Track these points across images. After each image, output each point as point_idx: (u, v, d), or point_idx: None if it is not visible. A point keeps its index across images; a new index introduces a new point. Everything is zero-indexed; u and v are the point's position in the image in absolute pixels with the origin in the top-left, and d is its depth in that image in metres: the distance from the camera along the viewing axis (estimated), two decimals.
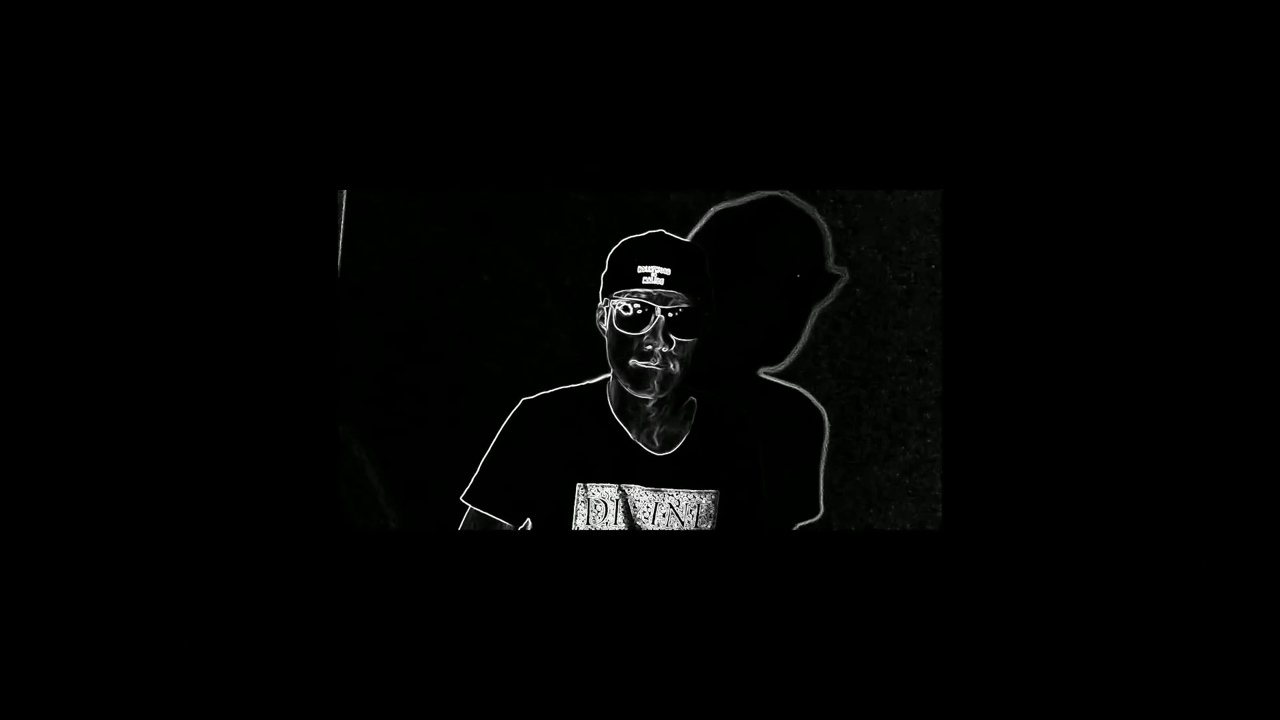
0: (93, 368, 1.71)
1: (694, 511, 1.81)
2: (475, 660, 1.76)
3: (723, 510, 1.84)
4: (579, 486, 1.79)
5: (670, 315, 1.69)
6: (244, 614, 1.74)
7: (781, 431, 2.17)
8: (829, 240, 2.20)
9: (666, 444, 1.81)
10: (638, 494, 1.79)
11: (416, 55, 1.79)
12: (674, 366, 1.71)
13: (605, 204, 2.17)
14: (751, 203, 2.18)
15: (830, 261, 2.22)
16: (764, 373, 2.20)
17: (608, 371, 1.84)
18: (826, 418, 2.21)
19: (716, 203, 2.19)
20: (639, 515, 1.78)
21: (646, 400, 1.76)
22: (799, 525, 2.17)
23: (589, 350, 1.94)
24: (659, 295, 1.69)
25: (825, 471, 2.20)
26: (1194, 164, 1.72)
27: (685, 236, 2.13)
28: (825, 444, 2.20)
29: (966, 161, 1.80)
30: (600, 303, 1.77)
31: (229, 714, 1.70)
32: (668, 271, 1.68)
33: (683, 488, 1.81)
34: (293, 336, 1.76)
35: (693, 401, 1.85)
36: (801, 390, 2.24)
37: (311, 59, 1.77)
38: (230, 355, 1.74)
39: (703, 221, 2.18)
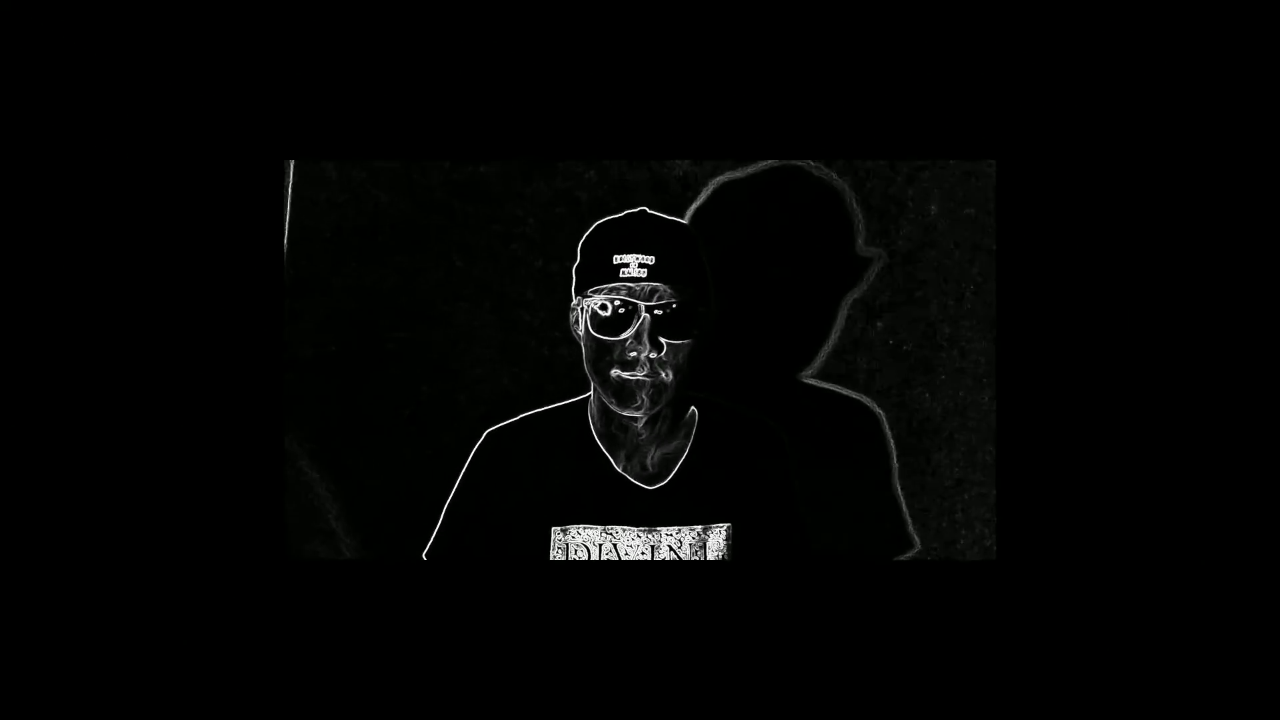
0: (11, 348, 1.65)
1: (699, 554, 1.62)
2: (440, 712, 1.67)
3: (739, 548, 1.65)
4: (555, 532, 1.62)
5: (657, 313, 1.52)
6: (174, 653, 1.68)
7: (837, 446, 2.04)
8: (860, 216, 2.02)
9: (662, 469, 1.63)
10: (628, 538, 1.62)
11: (380, 4, 1.72)
12: (665, 375, 1.54)
13: (602, 174, 2.02)
14: (761, 174, 2.00)
15: (861, 241, 2.04)
16: (808, 378, 2.04)
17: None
18: (889, 431, 2.08)
19: (721, 173, 2.04)
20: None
21: (635, 419, 1.58)
22: (896, 559, 2.07)
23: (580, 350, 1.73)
24: (641, 290, 1.52)
25: (901, 488, 2.09)
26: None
27: (684, 215, 2.01)
28: (893, 459, 2.07)
29: (1023, 128, 1.74)
30: (574, 301, 1.60)
31: None
32: (650, 260, 1.52)
33: (683, 524, 1.62)
34: (232, 333, 1.70)
35: (694, 413, 1.66)
36: (859, 396, 2.09)
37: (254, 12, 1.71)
38: (161, 352, 1.69)
39: (703, 197, 2.00)
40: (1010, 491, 1.75)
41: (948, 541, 2.09)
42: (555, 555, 1.62)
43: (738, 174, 2.02)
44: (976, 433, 2.11)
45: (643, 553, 1.62)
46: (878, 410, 2.10)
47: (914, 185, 2.08)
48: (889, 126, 1.78)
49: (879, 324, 2.10)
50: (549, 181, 2.00)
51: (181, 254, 1.69)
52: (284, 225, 1.98)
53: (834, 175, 2.01)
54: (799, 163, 2.00)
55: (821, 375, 2.09)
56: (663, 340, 1.55)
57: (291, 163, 1.99)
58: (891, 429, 2.10)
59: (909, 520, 2.11)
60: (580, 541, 1.62)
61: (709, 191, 2.03)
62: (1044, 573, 1.72)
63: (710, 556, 1.64)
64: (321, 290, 2.02)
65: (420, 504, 1.81)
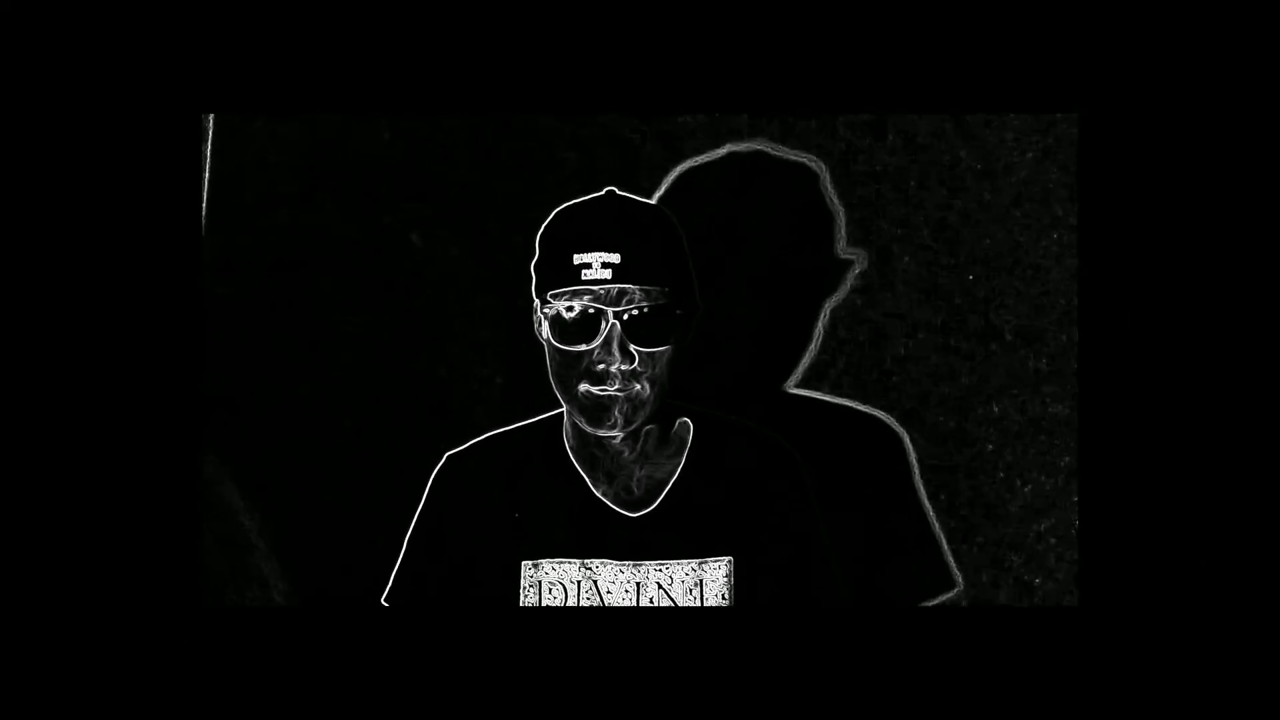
0: None
1: (695, 592, 1.59)
2: None
3: (743, 586, 1.61)
4: (526, 567, 1.59)
5: (627, 319, 1.51)
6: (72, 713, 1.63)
7: (846, 468, 1.97)
8: (841, 213, 1.99)
9: (649, 493, 1.61)
10: (609, 573, 1.59)
11: None
12: (642, 389, 1.52)
13: (592, 132, 2.00)
14: (724, 159, 2.00)
15: (842, 242, 2.01)
16: (796, 388, 2.02)
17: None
18: (911, 448, 2.02)
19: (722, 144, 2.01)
20: (611, 602, 1.60)
21: (612, 437, 1.57)
22: (932, 602, 2.02)
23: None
24: (607, 294, 1.50)
25: (936, 518, 2.02)
26: None
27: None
28: (918, 483, 2.01)
29: (1112, 75, 1.72)
30: (535, 303, 1.58)
31: None
32: (615, 259, 1.50)
33: (674, 558, 1.59)
34: (142, 329, 1.69)
35: (685, 425, 1.64)
36: (872, 410, 2.03)
37: None
38: (55, 340, 1.67)
39: (665, 185, 2.00)
40: (1095, 522, 1.73)
41: (1015, 582, 2.04)
42: (526, 594, 1.59)
43: (703, 159, 2.01)
44: (1049, 451, 2.02)
45: (627, 591, 1.59)
46: (899, 429, 2.03)
47: (973, 144, 2.01)
48: (949, 75, 1.80)
49: (913, 316, 2.03)
50: (527, 140, 1.99)
51: (82, 225, 1.69)
52: (202, 193, 1.96)
53: (811, 158, 2.00)
54: (766, 146, 2.00)
55: (817, 385, 2.04)
56: (635, 349, 1.52)
57: (211, 117, 1.97)
58: (926, 447, 2.04)
59: (947, 550, 2.03)
60: (555, 578, 1.58)
61: (670, 180, 2.01)
62: (1135, 622, 1.69)
63: (710, 599, 1.59)
64: (246, 270, 2.00)
65: (370, 538, 1.84)
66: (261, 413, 2.01)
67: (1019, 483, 2.01)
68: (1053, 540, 2.01)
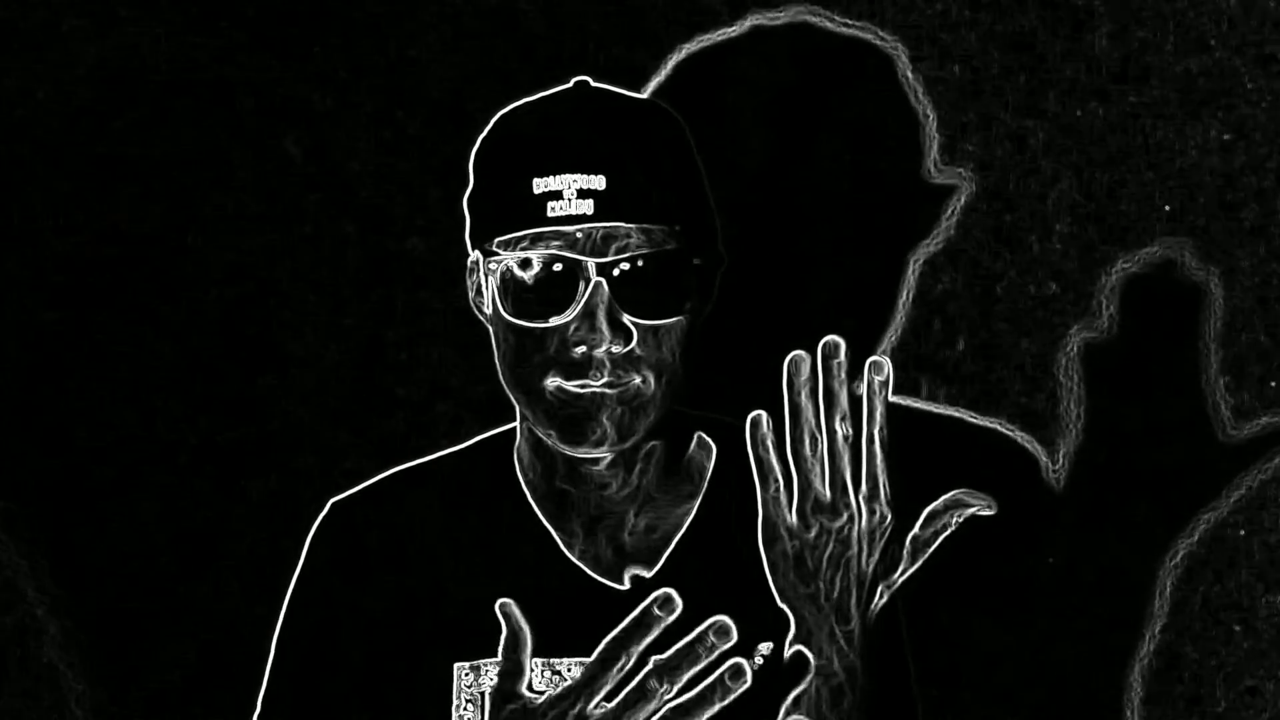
0: None
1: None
2: None
3: (786, 691, 1.33)
4: (461, 671, 1.31)
5: (618, 275, 1.24)
6: None
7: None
8: (931, 118, 1.70)
9: (649, 552, 1.37)
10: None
11: None
12: (643, 383, 1.25)
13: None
14: (747, 36, 1.73)
15: (933, 159, 1.71)
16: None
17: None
18: (1055, 477, 1.73)
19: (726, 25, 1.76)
20: None
21: (594, 461, 1.30)
22: None
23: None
24: (588, 237, 1.24)
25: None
26: None
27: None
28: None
29: None
30: (469, 261, 1.34)
31: None
32: (597, 184, 1.23)
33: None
34: None
35: (705, 446, 1.40)
36: (996, 425, 1.75)
37: None
38: None
39: (660, 75, 1.75)
40: None
41: None
42: (464, 715, 1.34)
43: (718, 35, 1.76)
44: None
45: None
46: (1036, 450, 1.73)
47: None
48: None
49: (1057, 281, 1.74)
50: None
51: None
52: None
53: (882, 34, 1.74)
54: (811, 14, 1.75)
55: (922, 380, 1.77)
56: (630, 321, 1.27)
57: None
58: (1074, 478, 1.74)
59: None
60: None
61: (668, 69, 1.76)
62: None
63: (742, 712, 1.33)
64: (40, 242, 1.77)
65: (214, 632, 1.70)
66: (46, 447, 1.77)
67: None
68: None
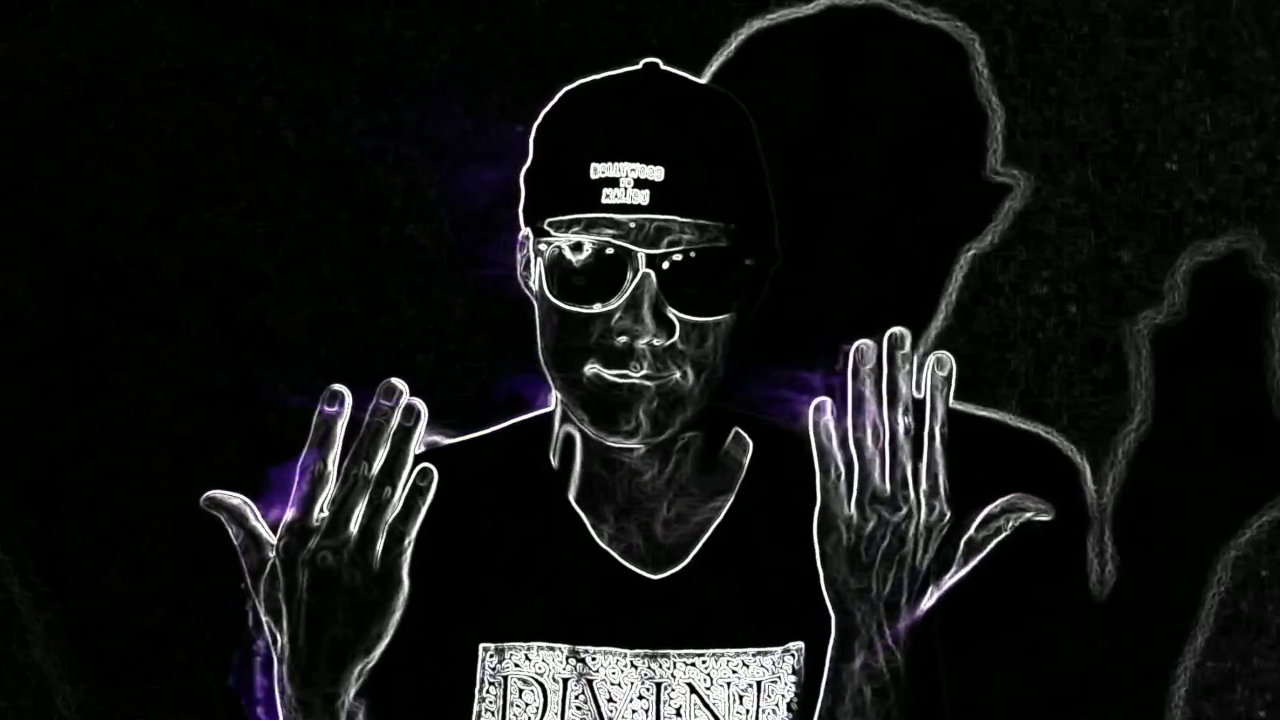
0: None
1: (747, 699, 1.32)
2: None
3: (818, 688, 1.31)
4: (484, 653, 1.29)
5: (669, 268, 1.24)
6: None
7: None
8: (999, 112, 1.69)
9: (682, 541, 1.35)
10: (612, 669, 1.29)
11: None
12: (683, 378, 1.25)
13: None
14: (821, 17, 1.72)
15: (997, 155, 1.70)
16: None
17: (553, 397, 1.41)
18: (1094, 494, 1.71)
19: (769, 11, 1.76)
20: (615, 713, 1.30)
21: (629, 449, 1.29)
22: None
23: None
24: (641, 229, 1.24)
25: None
26: None
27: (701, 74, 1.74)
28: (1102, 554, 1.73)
29: None
30: (521, 233, 1.33)
31: None
32: (656, 175, 1.22)
33: (717, 645, 1.31)
34: None
35: (742, 441, 1.40)
36: (1038, 429, 1.74)
37: None
38: None
39: (722, 56, 1.73)
40: None
41: None
42: (485, 697, 1.33)
43: (788, 13, 1.74)
44: None
45: (642, 697, 1.33)
46: (1079, 459, 1.72)
47: None
48: None
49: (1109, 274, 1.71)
50: None
51: None
52: None
53: (959, 24, 1.71)
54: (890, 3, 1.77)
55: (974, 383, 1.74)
56: (676, 316, 1.26)
57: None
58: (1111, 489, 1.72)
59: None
60: (529, 671, 1.32)
61: (730, 49, 1.75)
62: None
63: (768, 710, 1.35)
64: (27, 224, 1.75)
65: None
66: (39, 454, 1.75)
67: None
68: None
